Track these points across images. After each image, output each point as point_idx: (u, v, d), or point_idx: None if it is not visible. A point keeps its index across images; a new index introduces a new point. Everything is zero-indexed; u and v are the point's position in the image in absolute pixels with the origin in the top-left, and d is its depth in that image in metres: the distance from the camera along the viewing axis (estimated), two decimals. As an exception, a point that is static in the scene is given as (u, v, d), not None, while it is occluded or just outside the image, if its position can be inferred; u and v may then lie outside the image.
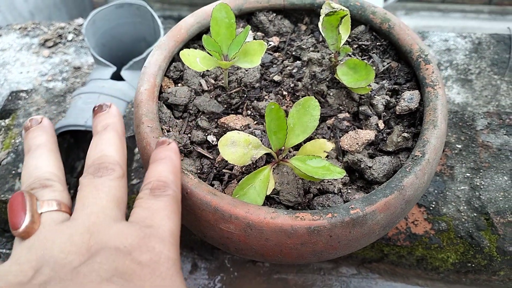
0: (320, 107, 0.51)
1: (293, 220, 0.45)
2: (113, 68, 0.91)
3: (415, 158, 0.51)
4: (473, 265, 0.69)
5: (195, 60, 0.55)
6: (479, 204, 0.70)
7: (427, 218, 0.70)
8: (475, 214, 0.69)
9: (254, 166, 0.55)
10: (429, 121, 0.54)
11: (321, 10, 0.62)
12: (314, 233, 0.45)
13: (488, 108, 0.96)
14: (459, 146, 0.77)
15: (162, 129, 0.55)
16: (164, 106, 0.59)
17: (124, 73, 0.90)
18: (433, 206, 0.70)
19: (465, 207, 0.70)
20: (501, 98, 0.98)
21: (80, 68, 1.13)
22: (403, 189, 0.48)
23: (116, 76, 0.92)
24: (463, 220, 0.69)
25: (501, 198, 0.70)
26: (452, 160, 0.75)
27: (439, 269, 0.72)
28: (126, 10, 0.98)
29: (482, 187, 0.72)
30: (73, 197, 0.92)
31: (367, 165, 0.54)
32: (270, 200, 0.53)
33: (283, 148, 0.51)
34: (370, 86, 0.58)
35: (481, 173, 0.73)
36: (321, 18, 0.60)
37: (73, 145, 0.93)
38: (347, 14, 0.57)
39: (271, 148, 0.51)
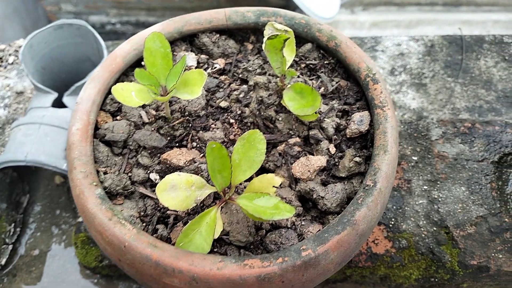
0: (265, 141, 0.48)
1: (241, 269, 0.42)
2: (54, 95, 0.85)
3: (366, 188, 0.48)
4: (436, 279, 0.68)
5: (130, 95, 0.51)
6: (438, 217, 0.69)
7: (387, 236, 0.68)
8: (434, 228, 0.68)
9: (202, 204, 0.52)
10: (379, 145, 0.52)
11: (264, 31, 0.59)
12: (265, 281, 0.43)
13: (444, 112, 0.95)
14: (415, 158, 0.76)
15: (98, 171, 0.51)
16: (101, 144, 0.55)
17: (66, 99, 0.85)
18: (392, 223, 0.69)
19: (424, 222, 0.69)
20: (455, 100, 0.98)
21: (23, 92, 1.06)
22: (356, 224, 0.46)
23: (59, 103, 0.87)
24: (423, 235, 0.68)
25: (459, 210, 0.69)
26: (409, 173, 0.74)
27: (402, 286, 0.71)
28: (66, 31, 0.92)
29: (440, 199, 0.71)
30: (19, 235, 0.86)
31: (319, 195, 0.52)
32: (220, 242, 0.50)
33: (230, 186, 0.48)
34: (317, 113, 0.55)
35: (438, 185, 0.72)
36: (264, 41, 0.57)
37: (17, 179, 0.87)
38: (290, 37, 0.54)
39: (217, 188, 0.47)
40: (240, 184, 0.54)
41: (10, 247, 0.82)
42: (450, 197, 0.71)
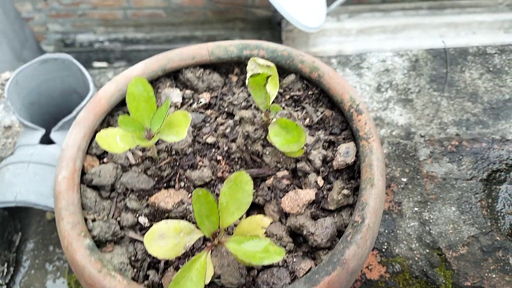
0: (252, 182, 0.48)
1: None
2: (42, 131, 0.85)
3: (355, 224, 0.49)
4: (431, 301, 0.68)
5: (114, 141, 0.51)
6: (430, 239, 0.69)
7: (381, 261, 0.68)
8: (427, 251, 0.69)
9: (192, 247, 0.52)
10: (366, 179, 0.52)
11: (247, 66, 0.59)
12: (257, 327, 0.42)
13: (431, 127, 0.96)
14: (405, 180, 0.76)
15: (86, 219, 0.51)
16: (88, 190, 0.54)
17: (54, 135, 0.85)
18: (385, 247, 0.69)
19: (417, 244, 0.69)
20: (442, 115, 0.99)
21: (10, 127, 1.06)
22: (346, 263, 0.46)
23: (48, 138, 0.87)
24: (416, 258, 0.68)
25: (451, 231, 0.70)
26: (399, 195, 0.74)
27: (399, 308, 0.71)
28: (51, 65, 0.92)
29: (431, 221, 0.71)
30: (13, 275, 0.86)
31: (309, 231, 0.52)
32: (212, 285, 0.50)
33: (219, 229, 0.48)
34: (303, 148, 0.56)
35: (429, 206, 0.73)
36: (247, 77, 0.58)
37: (8, 218, 0.86)
38: (271, 75, 0.54)
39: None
40: (231, 226, 0.54)
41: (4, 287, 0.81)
42: (441, 218, 0.71)
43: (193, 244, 0.51)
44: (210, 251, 0.48)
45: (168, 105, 0.51)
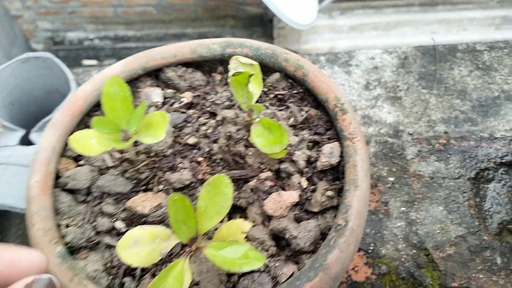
0: (232, 185, 0.46)
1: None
2: (21, 132, 0.83)
3: (338, 227, 0.47)
4: (419, 302, 0.67)
5: (89, 143, 0.49)
6: (417, 239, 0.68)
7: (367, 262, 0.67)
8: (414, 251, 0.68)
9: (170, 253, 0.50)
10: (350, 180, 0.51)
11: (229, 65, 0.58)
12: (235, 336, 0.41)
13: (420, 125, 0.95)
14: (392, 179, 0.75)
15: (59, 225, 0.49)
16: (63, 194, 0.53)
17: (33, 136, 0.82)
18: (371, 248, 0.68)
19: (403, 245, 0.68)
20: (431, 112, 0.98)
21: (-9, 127, 1.03)
22: (328, 268, 0.44)
23: (28, 139, 0.84)
24: (403, 259, 0.67)
25: (438, 231, 0.69)
26: (386, 195, 0.73)
27: (386, 310, 0.70)
28: (32, 64, 0.90)
29: (418, 220, 0.70)
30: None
31: (292, 235, 0.50)
32: (190, 291, 0.48)
33: (197, 235, 0.46)
34: (287, 149, 0.54)
35: (416, 206, 0.72)
36: (229, 76, 0.56)
37: (-14, 220, 0.84)
38: (254, 74, 0.52)
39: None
40: (207, 234, 0.53)
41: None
42: (428, 217, 0.70)
43: (171, 250, 0.50)
44: (189, 257, 0.47)
45: (144, 106, 0.49)
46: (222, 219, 0.47)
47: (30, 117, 0.95)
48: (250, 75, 0.52)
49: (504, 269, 0.64)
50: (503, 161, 0.75)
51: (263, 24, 3.02)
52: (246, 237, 0.51)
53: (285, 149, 0.53)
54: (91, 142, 0.50)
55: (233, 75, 0.53)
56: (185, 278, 0.44)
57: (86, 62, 3.06)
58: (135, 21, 3.01)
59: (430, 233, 0.68)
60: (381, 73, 1.05)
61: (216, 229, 0.51)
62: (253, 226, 0.53)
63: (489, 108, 0.98)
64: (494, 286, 0.64)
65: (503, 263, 0.65)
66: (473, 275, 0.65)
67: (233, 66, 0.58)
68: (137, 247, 0.43)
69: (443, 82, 1.04)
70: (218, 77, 0.68)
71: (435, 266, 0.66)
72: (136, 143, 0.57)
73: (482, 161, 0.75)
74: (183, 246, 0.50)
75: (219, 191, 0.46)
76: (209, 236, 0.52)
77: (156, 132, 0.51)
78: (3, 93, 0.88)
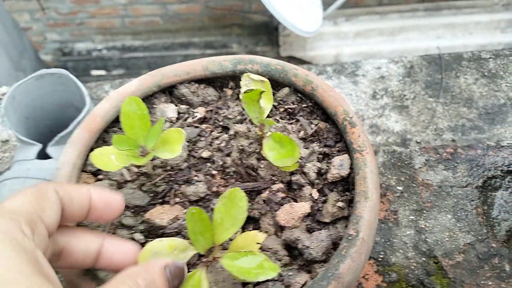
0: (247, 198, 0.49)
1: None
2: (38, 146, 0.85)
3: (349, 238, 0.49)
4: (428, 310, 0.68)
5: (109, 159, 0.52)
6: (427, 247, 0.70)
7: (377, 270, 0.69)
8: (423, 259, 0.69)
9: (187, 264, 0.52)
10: (360, 192, 0.53)
11: (241, 81, 0.60)
12: None
13: (427, 133, 0.97)
14: (400, 188, 0.77)
15: (82, 238, 0.51)
16: (85, 208, 0.55)
17: (50, 150, 0.85)
18: (381, 256, 0.69)
19: (413, 253, 0.69)
20: (438, 121, 1.00)
21: (8, 140, 1.06)
22: (341, 277, 0.46)
23: (44, 153, 0.87)
24: (413, 267, 0.68)
25: (447, 239, 0.70)
26: (395, 204, 0.75)
27: (397, 317, 0.71)
28: (47, 80, 0.92)
29: (427, 229, 0.71)
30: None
31: (304, 245, 0.52)
32: (208, 301, 0.50)
33: (214, 246, 0.48)
34: (298, 162, 0.56)
35: (424, 214, 0.73)
36: (241, 92, 0.58)
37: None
38: (264, 91, 0.55)
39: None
40: (226, 243, 0.55)
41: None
42: (437, 225, 0.71)
43: (189, 261, 0.52)
44: (206, 267, 0.49)
45: (162, 123, 0.52)
46: (237, 231, 0.49)
47: (46, 130, 0.98)
48: (261, 92, 0.54)
49: (512, 276, 0.66)
50: (510, 169, 0.76)
51: (269, 32, 3.05)
52: (260, 248, 0.53)
53: (296, 162, 0.55)
54: (111, 158, 0.52)
55: (245, 92, 0.55)
56: (202, 287, 0.46)
57: (94, 72, 3.10)
58: (142, 31, 3.05)
59: (439, 241, 0.70)
60: (388, 83, 1.07)
61: (231, 240, 0.53)
62: (267, 236, 0.55)
63: (496, 115, 1.00)
64: (503, 293, 0.65)
65: (512, 270, 0.66)
66: (482, 282, 0.66)
67: (245, 82, 0.60)
68: (157, 258, 0.45)
69: (449, 90, 1.05)
70: (229, 92, 0.70)
71: (444, 273, 0.67)
72: (153, 158, 0.60)
73: (489, 169, 0.77)
74: (200, 256, 0.52)
75: (234, 204, 0.49)
76: (224, 247, 0.53)
77: (173, 148, 0.53)
78: (19, 109, 0.91)
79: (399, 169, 0.80)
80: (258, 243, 0.51)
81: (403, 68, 1.10)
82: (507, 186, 0.75)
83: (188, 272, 0.48)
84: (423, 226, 0.71)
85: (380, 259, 0.69)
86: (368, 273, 0.68)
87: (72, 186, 0.43)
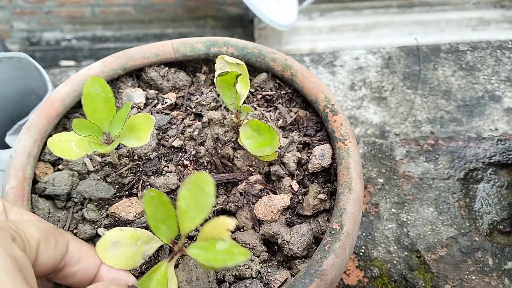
0: (214, 183, 0.44)
1: None
2: (-5, 135, 0.79)
3: (333, 232, 0.45)
4: (410, 305, 0.66)
5: (69, 146, 0.46)
6: (409, 241, 0.67)
7: (359, 265, 0.65)
8: (406, 253, 0.66)
9: (156, 260, 0.48)
10: (343, 183, 0.49)
11: (215, 65, 0.55)
12: None
13: (406, 125, 0.94)
14: (381, 181, 0.74)
15: (37, 235, 0.46)
16: (41, 200, 0.49)
17: (9, 139, 0.78)
18: (363, 251, 0.66)
19: (395, 247, 0.67)
20: (416, 112, 0.98)
21: (-38, 130, 0.98)
22: (324, 274, 0.42)
23: (3, 142, 0.80)
24: (395, 262, 0.66)
25: (429, 232, 0.68)
26: (376, 196, 0.72)
27: (377, 314, 0.68)
28: (6, 64, 0.86)
29: (409, 222, 0.69)
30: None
31: (284, 240, 0.48)
32: (179, 302, 0.46)
33: (179, 235, 0.44)
34: (277, 151, 0.52)
35: (406, 207, 0.70)
36: (215, 76, 0.54)
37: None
38: (241, 74, 0.50)
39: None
40: (193, 232, 0.50)
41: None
42: (419, 219, 0.69)
43: (157, 254, 0.47)
44: (174, 260, 0.44)
45: (128, 108, 0.47)
46: (205, 218, 0.45)
47: (5, 119, 0.91)
48: (238, 75, 0.50)
49: (496, 270, 0.64)
50: (492, 161, 0.74)
51: (244, 25, 3.00)
52: (232, 236, 0.49)
53: (276, 151, 0.51)
54: (71, 146, 0.47)
55: (219, 75, 0.50)
56: (170, 283, 0.42)
57: (63, 63, 2.99)
58: (114, 21, 2.95)
59: (422, 234, 0.67)
60: (366, 74, 1.04)
61: (198, 231, 0.49)
62: (243, 231, 0.51)
63: (474, 108, 0.98)
64: (486, 287, 0.63)
65: (495, 264, 0.64)
66: (466, 276, 0.64)
67: (219, 65, 0.55)
68: (117, 248, 0.40)
69: (428, 82, 1.03)
70: (202, 77, 0.65)
71: (427, 268, 0.65)
72: (118, 147, 0.55)
73: (470, 161, 0.75)
74: (170, 251, 0.48)
75: (200, 189, 0.44)
76: (193, 238, 0.49)
77: (141, 135, 0.48)
78: (-25, 95, 0.84)
79: (379, 160, 0.77)
80: (228, 230, 0.46)
81: (381, 59, 1.07)
82: (489, 178, 0.73)
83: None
84: (405, 219, 0.69)
85: (361, 254, 0.66)
86: (349, 268, 0.65)
87: (87, 248, 0.38)
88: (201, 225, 0.48)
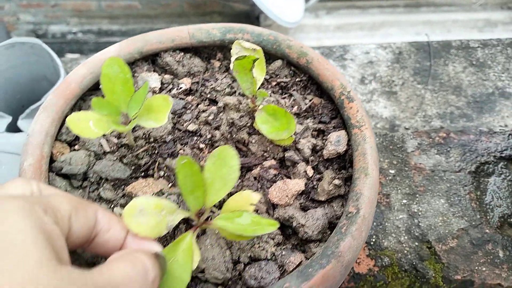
0: (238, 156, 0.45)
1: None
2: (8, 119, 0.79)
3: (349, 215, 0.46)
4: (419, 296, 0.66)
5: (87, 125, 0.46)
6: (420, 232, 0.67)
7: (369, 254, 0.66)
8: (416, 244, 0.66)
9: (173, 237, 0.48)
10: (359, 168, 0.49)
11: (232, 50, 0.56)
12: (245, 327, 0.39)
13: (416, 120, 0.94)
14: (393, 172, 0.74)
15: (55, 212, 0.46)
16: (58, 179, 0.50)
17: (21, 123, 0.79)
18: (373, 240, 0.66)
19: (406, 237, 0.67)
20: (427, 107, 0.98)
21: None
22: (341, 256, 0.43)
23: (14, 126, 0.81)
24: (406, 252, 0.66)
25: (440, 224, 0.68)
26: (387, 187, 0.72)
27: (386, 304, 0.68)
28: (19, 49, 0.86)
29: (420, 213, 0.69)
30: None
31: (299, 223, 0.48)
32: (195, 280, 0.46)
33: (204, 208, 0.44)
34: (293, 136, 0.52)
35: (417, 198, 0.70)
36: (231, 61, 0.54)
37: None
38: (258, 58, 0.50)
39: (190, 211, 0.44)
40: (213, 212, 0.50)
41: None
42: (430, 210, 0.69)
43: (176, 231, 0.47)
44: (195, 233, 0.45)
45: (147, 88, 0.47)
46: (229, 192, 0.45)
47: (16, 105, 0.91)
48: (255, 60, 0.50)
49: (506, 262, 0.64)
50: (503, 155, 0.75)
51: (250, 22, 3.00)
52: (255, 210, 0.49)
53: (291, 136, 0.51)
54: (89, 125, 0.47)
55: (237, 59, 0.50)
56: (194, 255, 0.42)
57: (69, 56, 2.99)
58: (120, 15, 2.95)
59: (432, 225, 0.67)
60: (376, 68, 1.04)
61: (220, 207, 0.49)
62: (257, 212, 0.51)
63: (484, 104, 0.98)
64: (497, 279, 0.63)
65: (505, 256, 0.64)
66: (476, 268, 0.64)
67: (235, 51, 0.56)
68: (143, 216, 0.40)
69: (438, 77, 1.03)
70: (217, 64, 0.65)
71: (437, 258, 0.65)
72: (134, 129, 0.55)
73: (482, 155, 0.75)
74: (189, 226, 0.48)
75: (225, 163, 0.44)
76: (214, 211, 0.49)
77: (158, 116, 0.49)
78: (-12, 80, 0.84)
79: (391, 152, 0.77)
80: (252, 204, 0.47)
81: (391, 54, 1.07)
82: (500, 172, 0.73)
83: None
84: (416, 210, 0.69)
85: (372, 243, 0.66)
86: (360, 257, 0.65)
87: (115, 217, 0.39)
88: (224, 200, 0.48)
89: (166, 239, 0.47)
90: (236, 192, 0.50)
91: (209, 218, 0.46)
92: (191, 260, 0.41)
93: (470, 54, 1.09)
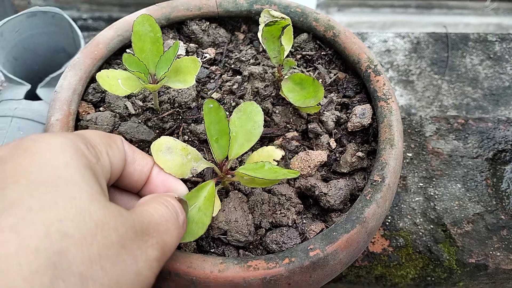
0: (262, 113, 0.45)
1: (245, 272, 0.38)
2: (27, 86, 0.79)
3: (374, 184, 0.46)
4: (433, 278, 0.66)
5: (116, 83, 0.47)
6: (435, 215, 0.67)
7: (384, 234, 0.66)
8: (431, 226, 0.66)
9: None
10: (385, 139, 0.49)
11: (260, 18, 0.56)
12: (271, 284, 0.39)
13: (432, 109, 0.94)
14: (410, 155, 0.74)
15: (81, 167, 0.46)
16: (84, 137, 0.50)
17: (40, 91, 0.79)
18: (389, 221, 0.66)
19: (421, 220, 0.67)
20: (443, 98, 0.98)
21: (-9, 84, 0.99)
22: (365, 222, 0.43)
23: (32, 95, 0.81)
24: (421, 233, 0.66)
25: (456, 208, 0.68)
26: (404, 170, 0.72)
27: (398, 285, 0.68)
28: (40, 18, 0.86)
29: (436, 197, 0.69)
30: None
31: (321, 192, 0.49)
32: (217, 242, 0.46)
33: (227, 160, 0.44)
34: (320, 104, 0.52)
35: (434, 182, 0.70)
36: (260, 28, 0.54)
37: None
38: (289, 24, 0.50)
39: (214, 162, 0.44)
40: (237, 160, 0.51)
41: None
42: (446, 194, 0.69)
43: (194, 186, 0.48)
44: (219, 186, 0.45)
45: (177, 48, 0.47)
46: (252, 147, 0.45)
47: (34, 75, 0.91)
48: (285, 26, 0.50)
49: (521, 248, 0.64)
50: (520, 144, 0.74)
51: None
52: (269, 190, 0.49)
53: (318, 104, 0.51)
54: (118, 82, 0.47)
55: (267, 24, 0.50)
56: (215, 205, 0.42)
57: (79, 41, 2.99)
58: (130, 3, 2.95)
59: (448, 209, 0.67)
60: (394, 56, 1.04)
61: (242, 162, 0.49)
62: (278, 184, 0.51)
63: (500, 97, 0.98)
64: (510, 264, 0.63)
65: (520, 242, 0.64)
66: (490, 252, 0.64)
67: (264, 19, 0.56)
68: (170, 154, 0.41)
69: (455, 69, 1.03)
70: (241, 36, 0.65)
71: (452, 242, 0.65)
72: (159, 94, 0.55)
73: (499, 142, 0.75)
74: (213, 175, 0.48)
75: (250, 118, 0.45)
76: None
77: (186, 78, 0.49)
78: (7, 47, 0.84)
79: (409, 136, 0.77)
80: (275, 160, 0.47)
81: (409, 44, 1.07)
82: (517, 160, 0.73)
83: None
84: (432, 193, 0.69)
85: (387, 223, 0.66)
86: (375, 237, 0.65)
87: (138, 149, 0.40)
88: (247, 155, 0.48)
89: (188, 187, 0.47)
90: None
91: (231, 170, 0.46)
92: (213, 206, 0.41)
93: (488, 47, 1.08)
